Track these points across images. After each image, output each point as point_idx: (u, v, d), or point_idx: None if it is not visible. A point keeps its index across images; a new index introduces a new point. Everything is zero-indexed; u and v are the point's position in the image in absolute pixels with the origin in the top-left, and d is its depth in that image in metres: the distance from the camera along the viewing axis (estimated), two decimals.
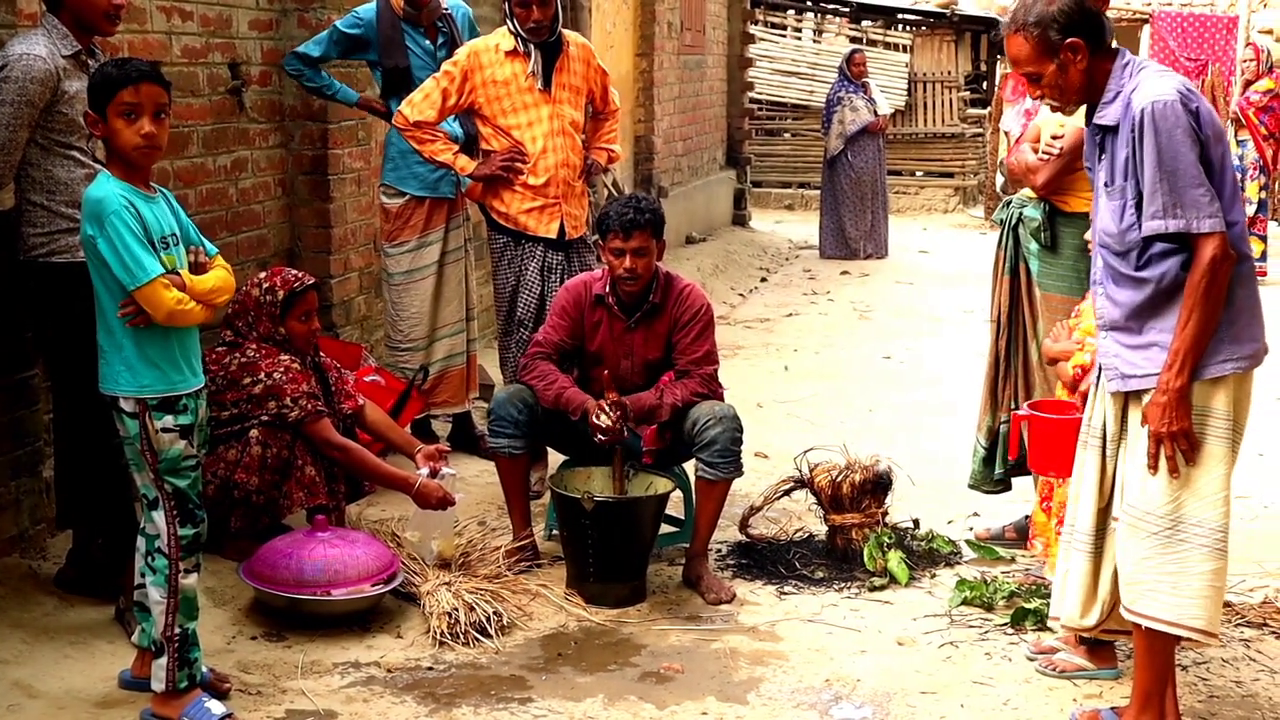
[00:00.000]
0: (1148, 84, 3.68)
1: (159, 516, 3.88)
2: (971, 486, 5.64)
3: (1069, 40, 3.73)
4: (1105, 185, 3.79)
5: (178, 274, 3.82)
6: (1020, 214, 5.31)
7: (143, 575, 3.98)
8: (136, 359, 3.80)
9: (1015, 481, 5.54)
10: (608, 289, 5.30)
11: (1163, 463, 3.68)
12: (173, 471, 3.87)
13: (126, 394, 3.82)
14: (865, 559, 5.31)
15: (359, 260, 7.20)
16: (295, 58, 6.32)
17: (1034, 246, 5.25)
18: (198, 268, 3.94)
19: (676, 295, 5.33)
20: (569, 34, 6.05)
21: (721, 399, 5.30)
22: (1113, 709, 4.09)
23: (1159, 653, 3.82)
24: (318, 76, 6.34)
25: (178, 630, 3.90)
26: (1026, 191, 5.34)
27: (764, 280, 13.06)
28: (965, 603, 5.00)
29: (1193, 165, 3.60)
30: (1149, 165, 3.63)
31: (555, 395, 5.17)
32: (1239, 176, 9.30)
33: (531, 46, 5.86)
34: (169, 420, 3.84)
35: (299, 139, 6.76)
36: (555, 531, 5.43)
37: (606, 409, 5.01)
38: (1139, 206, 3.68)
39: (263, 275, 5.19)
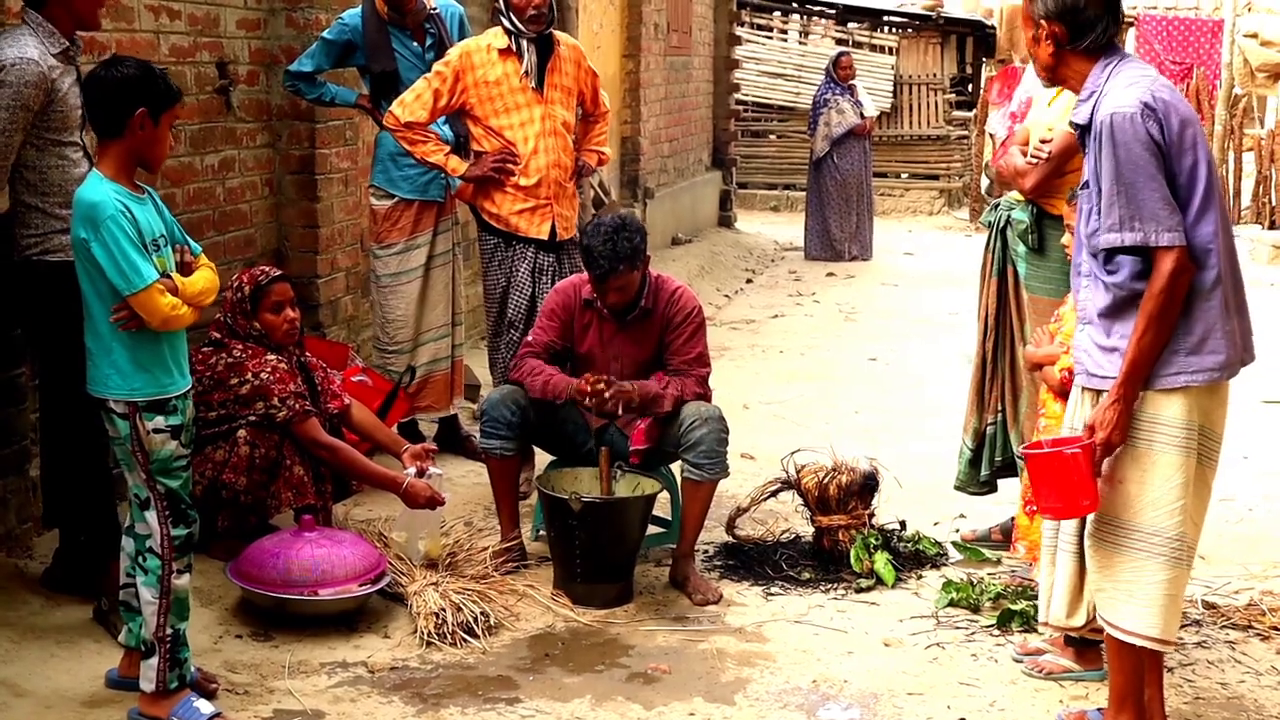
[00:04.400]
0: (1114, 93, 3.67)
1: (151, 517, 3.88)
2: (958, 488, 5.66)
3: (1046, 22, 3.77)
4: (1084, 184, 3.82)
5: (170, 278, 3.82)
6: (1008, 216, 5.33)
7: (131, 575, 3.97)
8: (127, 363, 3.79)
9: (1001, 483, 5.56)
10: (599, 305, 5.30)
11: (1125, 470, 3.71)
12: (165, 472, 3.86)
13: (117, 396, 3.81)
14: (852, 560, 5.33)
15: (346, 260, 7.19)
16: (290, 76, 6.33)
17: (1021, 249, 5.28)
18: (184, 268, 3.94)
19: (668, 298, 5.33)
20: (560, 35, 6.05)
21: (710, 402, 5.31)
22: (1099, 710, 4.11)
23: (1127, 656, 3.84)
24: (314, 89, 6.35)
25: (169, 631, 3.89)
26: (1015, 194, 5.36)
27: (749, 282, 13.08)
28: (952, 604, 5.01)
29: (1151, 178, 3.58)
30: (1107, 177, 3.63)
31: (542, 384, 5.17)
32: None
33: (524, 44, 5.86)
34: (160, 421, 3.83)
35: (286, 139, 6.75)
36: (543, 532, 5.44)
37: (593, 378, 5.02)
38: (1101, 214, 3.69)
39: (235, 276, 5.20)
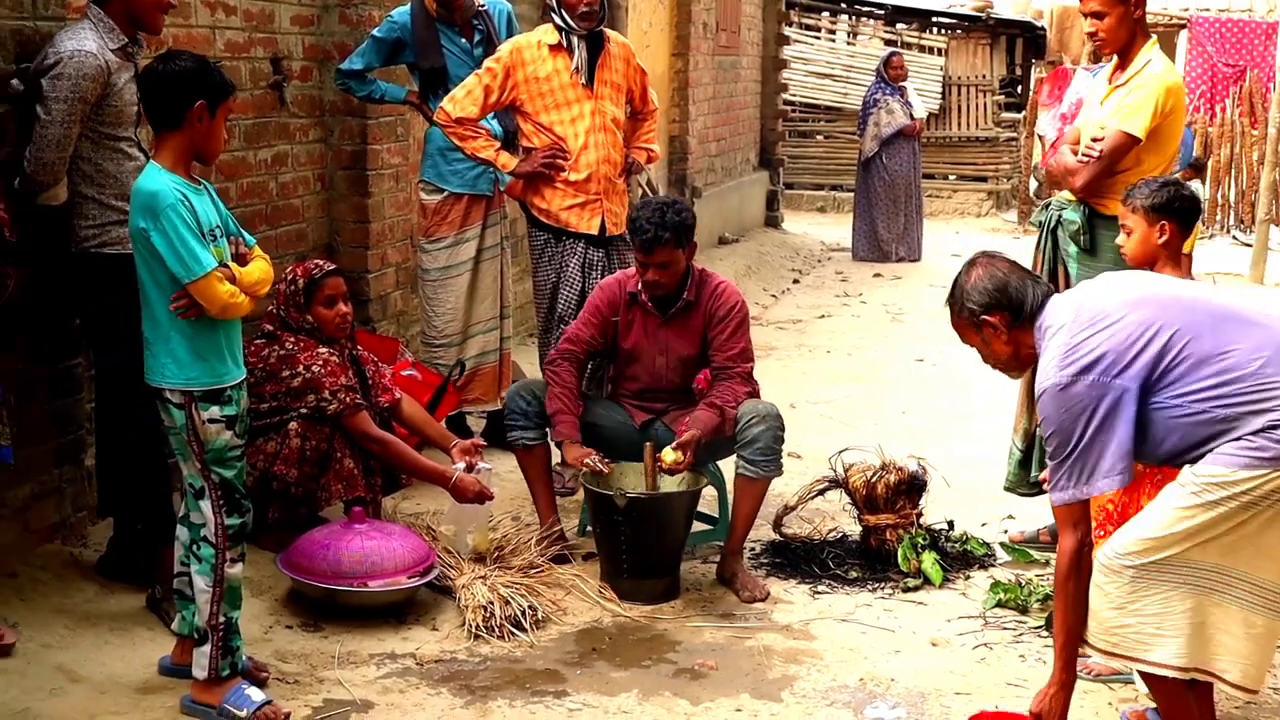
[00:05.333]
0: (1041, 363, 3.73)
1: (205, 506, 3.92)
2: (1008, 489, 5.63)
3: (986, 317, 3.86)
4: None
5: (227, 267, 3.86)
6: (1059, 216, 5.31)
7: (185, 564, 4.02)
8: (184, 352, 3.83)
9: None
10: (641, 286, 5.32)
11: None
12: (219, 461, 3.90)
13: (173, 386, 3.85)
14: (899, 560, 5.32)
15: (396, 255, 7.23)
16: (342, 74, 6.38)
17: (1073, 249, 5.25)
18: (239, 259, 3.98)
19: (711, 292, 5.34)
20: (609, 32, 6.07)
21: (760, 396, 5.32)
22: (1156, 709, 4.09)
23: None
24: (364, 86, 6.39)
25: (222, 619, 3.94)
26: (1065, 194, 5.34)
27: (796, 282, 13.05)
28: (1000, 605, 5.00)
29: (1075, 438, 3.60)
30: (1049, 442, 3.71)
31: (553, 411, 5.24)
32: None
33: (575, 40, 5.88)
34: (215, 411, 3.87)
35: (339, 134, 6.80)
36: (589, 528, 5.45)
37: (590, 462, 5.08)
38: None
39: (289, 269, 5.25)
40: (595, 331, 5.37)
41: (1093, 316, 3.67)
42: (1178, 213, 4.65)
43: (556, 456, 5.54)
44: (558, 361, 5.33)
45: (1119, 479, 3.59)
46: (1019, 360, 3.95)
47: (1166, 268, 4.67)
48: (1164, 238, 4.65)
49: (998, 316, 3.85)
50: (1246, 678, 3.61)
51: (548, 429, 5.36)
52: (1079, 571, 3.66)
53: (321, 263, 5.28)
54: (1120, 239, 4.75)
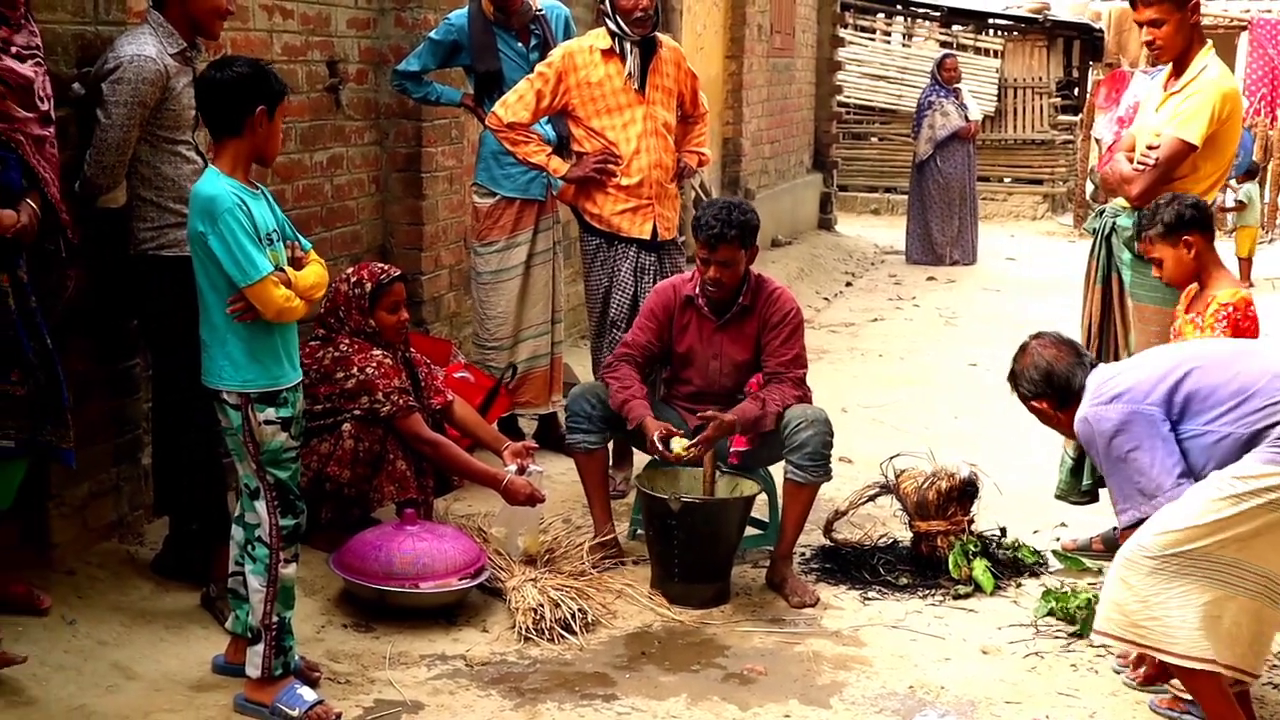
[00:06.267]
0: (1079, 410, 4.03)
1: (260, 506, 3.96)
2: (1059, 497, 5.60)
3: (1037, 403, 4.23)
4: None
5: (283, 271, 3.90)
6: (1114, 223, 5.27)
7: (240, 563, 4.06)
8: (241, 354, 3.88)
9: (1103, 493, 5.48)
10: (698, 290, 5.32)
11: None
12: (274, 463, 3.94)
13: (230, 388, 3.89)
14: (950, 567, 5.29)
15: (449, 257, 7.27)
16: (398, 76, 6.43)
17: (1127, 256, 5.22)
18: (295, 263, 4.02)
19: (766, 297, 5.34)
20: (661, 37, 6.08)
21: (811, 403, 5.31)
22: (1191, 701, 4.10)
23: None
24: (420, 88, 6.44)
25: (275, 618, 3.97)
26: (1120, 200, 5.30)
27: (849, 285, 13.02)
28: (1050, 613, 4.97)
29: (1120, 462, 3.88)
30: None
31: (620, 402, 5.22)
32: None
33: (628, 46, 5.89)
34: (271, 413, 3.91)
35: (393, 137, 6.85)
36: (640, 531, 5.46)
37: (670, 442, 5.04)
38: None
39: (350, 270, 5.27)
40: (651, 336, 5.38)
41: (1118, 367, 4.09)
42: (1190, 224, 4.69)
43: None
44: (614, 365, 5.35)
45: (1176, 492, 3.76)
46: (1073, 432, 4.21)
47: (1215, 273, 4.68)
48: (1193, 251, 4.66)
49: (1045, 402, 4.20)
50: (1245, 662, 3.75)
51: (609, 433, 5.38)
52: None
53: (386, 267, 5.31)
54: (1154, 272, 4.79)
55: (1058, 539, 5.73)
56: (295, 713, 3.96)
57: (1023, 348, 4.30)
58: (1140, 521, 3.84)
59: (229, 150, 3.89)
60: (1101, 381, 3.99)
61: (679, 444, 5.03)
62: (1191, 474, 3.79)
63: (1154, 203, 4.83)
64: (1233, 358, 3.90)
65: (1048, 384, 4.16)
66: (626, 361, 5.34)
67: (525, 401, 6.60)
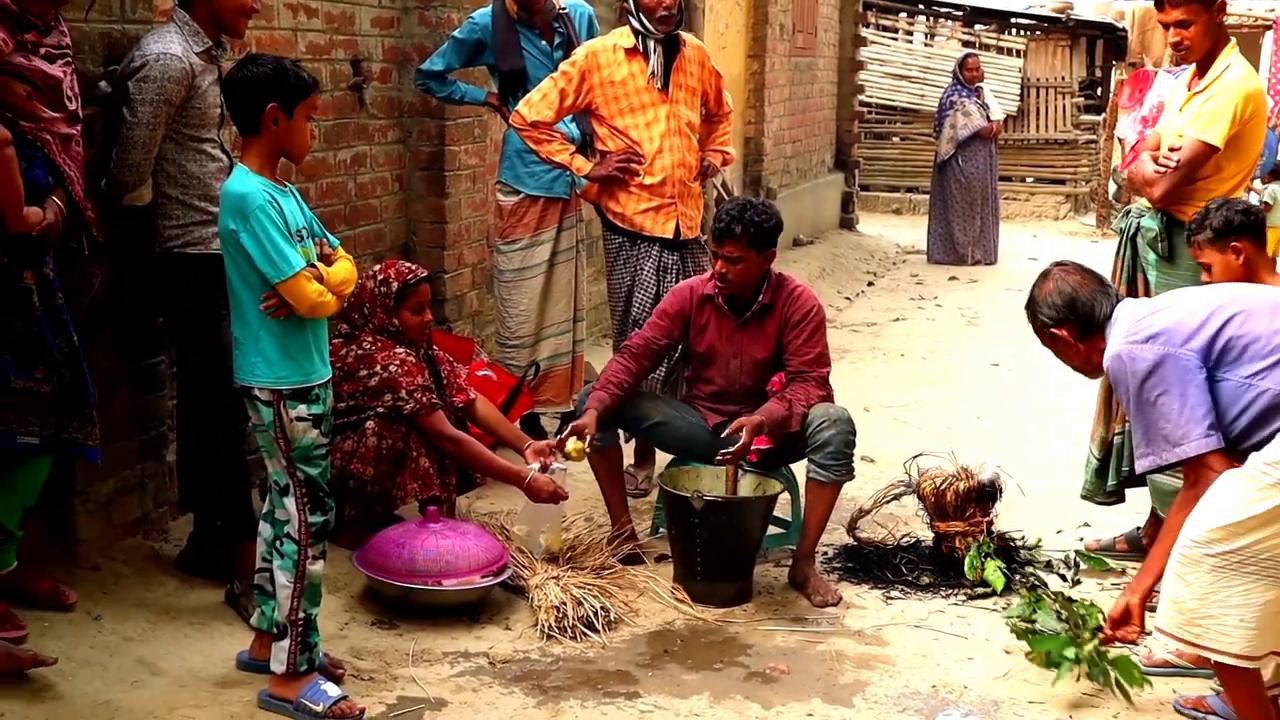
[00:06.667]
0: (1109, 340, 3.98)
1: (290, 503, 3.97)
2: (1084, 498, 5.57)
3: (1058, 330, 4.12)
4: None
5: (315, 267, 3.91)
6: (1138, 224, 5.25)
7: (267, 560, 4.07)
8: (274, 351, 3.89)
9: (1129, 493, 5.47)
10: (717, 288, 5.32)
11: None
12: (305, 459, 3.96)
13: (262, 384, 3.90)
14: (966, 568, 5.27)
15: (472, 256, 7.28)
16: (421, 75, 6.44)
17: (1152, 257, 5.20)
18: (324, 259, 4.03)
19: (787, 295, 5.34)
20: (685, 35, 6.08)
21: (834, 402, 5.31)
22: (1217, 694, 4.08)
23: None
24: (444, 87, 6.45)
25: (301, 615, 3.99)
26: (1144, 201, 5.28)
27: (871, 284, 13.00)
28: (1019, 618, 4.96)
29: (1148, 405, 3.81)
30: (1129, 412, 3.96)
31: (585, 394, 5.28)
32: None
33: (652, 44, 5.89)
34: (302, 409, 3.92)
35: (417, 135, 6.86)
36: (663, 529, 5.47)
37: (568, 441, 5.05)
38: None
39: (377, 268, 5.29)
40: (658, 332, 5.37)
41: (1155, 304, 3.98)
42: (1240, 229, 4.64)
43: (628, 459, 5.56)
44: (618, 355, 5.38)
45: (1203, 442, 3.72)
46: (1092, 366, 4.15)
47: (1266, 279, 4.64)
48: (1242, 258, 4.62)
49: (1066, 330, 4.09)
50: None
51: (619, 430, 5.39)
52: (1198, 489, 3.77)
53: (414, 267, 5.33)
54: (1204, 277, 4.72)
55: (1081, 539, 5.72)
56: (319, 708, 3.98)
57: (1044, 274, 4.21)
58: (1159, 468, 3.85)
59: (253, 148, 3.91)
60: (1138, 318, 3.90)
61: (573, 444, 5.02)
62: (1221, 424, 3.73)
63: (1204, 207, 4.79)
64: (1275, 309, 3.80)
65: (1071, 310, 4.07)
66: (625, 352, 5.36)
67: (547, 400, 6.60)
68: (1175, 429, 3.75)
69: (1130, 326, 3.89)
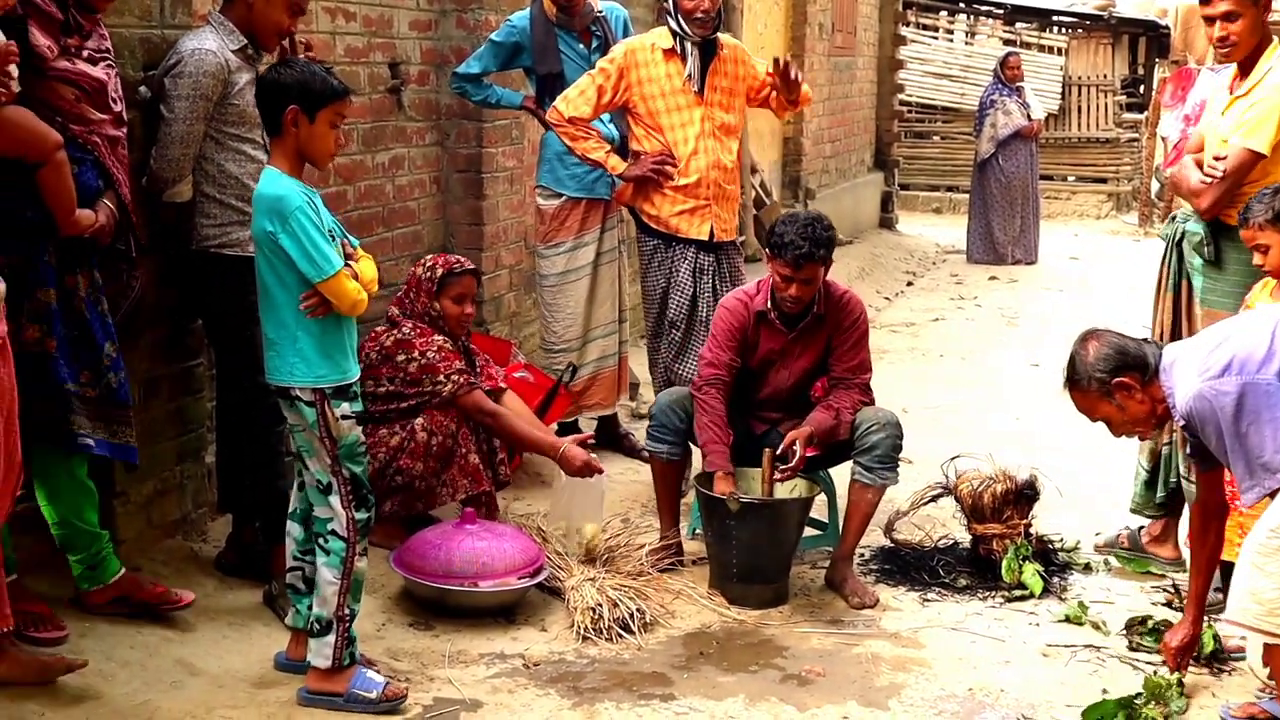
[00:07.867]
0: (1178, 383, 3.93)
1: (335, 501, 3.99)
2: (1134, 511, 5.48)
3: (1120, 382, 4.04)
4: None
5: (350, 265, 3.94)
6: (1183, 229, 5.18)
7: (298, 559, 4.12)
8: (313, 350, 3.91)
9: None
10: (769, 305, 5.29)
11: None
12: (350, 457, 3.99)
13: (303, 384, 3.92)
14: (1003, 571, 5.25)
15: (510, 258, 7.30)
16: (458, 78, 6.45)
17: (1197, 262, 5.11)
18: (348, 259, 4.05)
19: (836, 302, 5.32)
20: (723, 37, 6.04)
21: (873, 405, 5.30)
22: (1273, 697, 4.05)
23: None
24: (480, 90, 6.46)
25: (347, 610, 4.02)
26: (1189, 207, 5.21)
27: (910, 284, 12.95)
28: (1067, 619, 4.96)
29: (1242, 438, 3.79)
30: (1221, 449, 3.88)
31: (703, 443, 5.19)
32: None
33: (689, 46, 5.87)
34: (345, 407, 3.96)
35: (454, 137, 6.89)
36: (699, 531, 5.46)
37: (728, 502, 4.99)
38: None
39: (429, 256, 5.41)
40: (734, 354, 5.29)
41: (1211, 339, 3.93)
42: None
43: None
44: (705, 389, 5.25)
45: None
46: (1156, 416, 4.10)
47: None
48: None
49: (1129, 376, 4.03)
50: None
51: (691, 444, 5.38)
52: None
53: (462, 260, 5.43)
54: (1256, 260, 4.64)
55: (1098, 533, 5.69)
56: (373, 694, 4.04)
57: (1081, 340, 4.18)
58: (1267, 495, 3.78)
59: (279, 150, 3.93)
60: (1204, 355, 3.86)
61: (734, 504, 4.98)
62: None
63: (1263, 190, 4.71)
64: None
65: (1124, 357, 4.03)
66: (715, 385, 5.25)
67: (594, 403, 6.59)
68: (1275, 456, 3.73)
69: (1199, 365, 3.85)
